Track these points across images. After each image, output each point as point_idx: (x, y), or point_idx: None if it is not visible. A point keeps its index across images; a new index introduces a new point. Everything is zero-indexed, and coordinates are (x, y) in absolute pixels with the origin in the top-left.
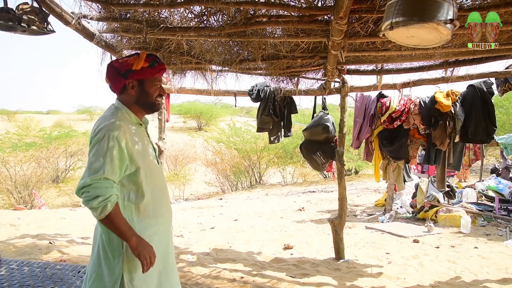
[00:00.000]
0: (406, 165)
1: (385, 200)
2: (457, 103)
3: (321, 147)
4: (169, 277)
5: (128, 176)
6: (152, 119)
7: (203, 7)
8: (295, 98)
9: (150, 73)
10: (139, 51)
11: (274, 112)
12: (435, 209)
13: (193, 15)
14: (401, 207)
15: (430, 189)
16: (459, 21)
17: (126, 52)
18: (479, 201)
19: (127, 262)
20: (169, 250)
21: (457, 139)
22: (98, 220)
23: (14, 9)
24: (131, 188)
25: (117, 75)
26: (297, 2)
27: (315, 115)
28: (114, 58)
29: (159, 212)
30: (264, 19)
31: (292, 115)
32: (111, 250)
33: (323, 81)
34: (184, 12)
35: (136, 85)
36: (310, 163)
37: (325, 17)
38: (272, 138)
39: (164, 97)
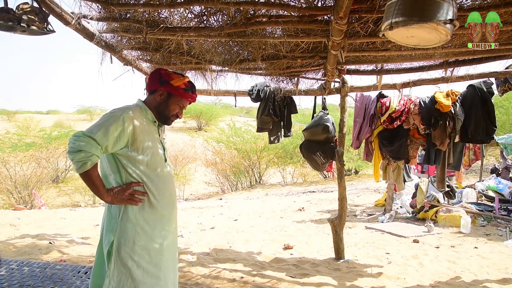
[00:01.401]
0: (406, 165)
1: (385, 200)
2: (457, 103)
3: (321, 147)
4: (163, 271)
5: (128, 158)
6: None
7: (203, 7)
8: (295, 98)
9: (180, 94)
10: (184, 74)
11: (274, 112)
12: (435, 209)
13: (193, 15)
14: (401, 207)
15: (430, 189)
16: (459, 21)
17: (126, 52)
18: (479, 201)
19: (120, 232)
20: (167, 245)
21: (457, 139)
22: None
23: (14, 9)
24: (132, 169)
25: (157, 79)
26: (297, 2)
27: (315, 115)
28: (114, 58)
29: (159, 204)
30: (264, 19)
31: (292, 115)
32: (109, 218)
33: (323, 81)
34: (184, 12)
35: (164, 95)
36: (310, 163)
37: (325, 17)
38: (272, 138)
39: (179, 118)
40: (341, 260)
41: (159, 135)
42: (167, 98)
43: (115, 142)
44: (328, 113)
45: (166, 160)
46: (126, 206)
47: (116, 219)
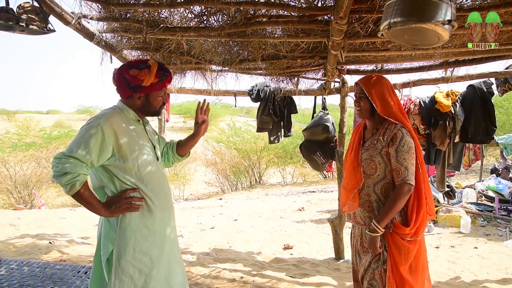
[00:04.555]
0: None
1: None
2: (457, 103)
3: (321, 147)
4: (164, 274)
5: (118, 166)
6: (152, 119)
7: (203, 7)
8: (295, 98)
9: (157, 88)
10: (148, 62)
11: (274, 112)
12: (435, 209)
13: (193, 15)
14: None
15: None
16: (459, 21)
17: (126, 52)
18: (479, 201)
19: (119, 240)
20: (166, 248)
21: (457, 139)
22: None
23: (15, 8)
24: (124, 177)
25: (126, 87)
26: (297, 2)
27: (315, 115)
28: (114, 58)
29: (157, 207)
30: (264, 19)
31: (292, 115)
32: (107, 228)
33: (323, 81)
34: (184, 12)
35: (143, 97)
36: (310, 163)
37: (325, 17)
38: (272, 138)
39: (165, 103)
40: (341, 260)
41: (147, 133)
42: (146, 98)
43: (99, 155)
44: (328, 113)
45: (158, 159)
46: (124, 214)
47: (115, 228)
